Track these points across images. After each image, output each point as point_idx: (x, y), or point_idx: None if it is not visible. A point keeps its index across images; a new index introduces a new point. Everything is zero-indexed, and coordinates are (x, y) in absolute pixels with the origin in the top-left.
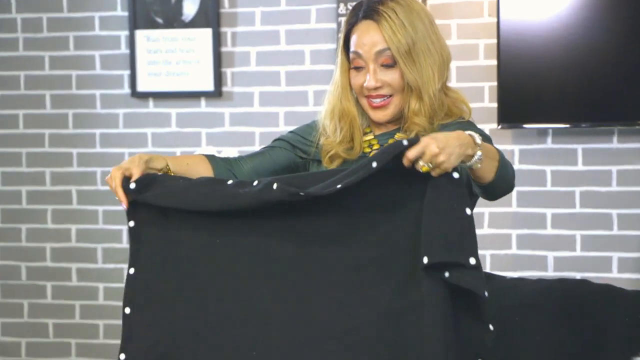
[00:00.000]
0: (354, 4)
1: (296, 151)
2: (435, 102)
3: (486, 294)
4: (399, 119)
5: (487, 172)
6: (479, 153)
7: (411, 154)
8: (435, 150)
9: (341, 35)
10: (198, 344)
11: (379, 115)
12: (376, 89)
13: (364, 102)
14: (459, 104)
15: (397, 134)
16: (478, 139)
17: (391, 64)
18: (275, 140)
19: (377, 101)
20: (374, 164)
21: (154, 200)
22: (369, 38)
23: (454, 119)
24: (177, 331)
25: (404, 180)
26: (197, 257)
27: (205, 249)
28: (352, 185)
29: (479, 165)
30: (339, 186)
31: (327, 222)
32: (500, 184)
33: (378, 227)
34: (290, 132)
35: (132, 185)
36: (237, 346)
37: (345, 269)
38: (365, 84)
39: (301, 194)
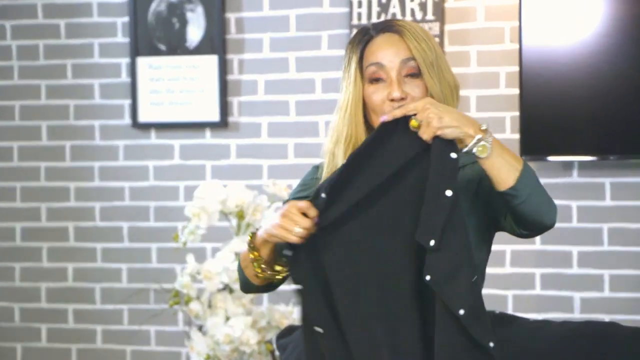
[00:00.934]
0: None
1: None
2: None
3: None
4: None
5: (502, 172)
6: (478, 136)
7: (406, 107)
8: (428, 105)
9: (349, 57)
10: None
11: None
12: (400, 100)
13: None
14: None
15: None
16: (485, 126)
17: (415, 75)
18: None
19: None
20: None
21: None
22: (393, 48)
23: (462, 146)
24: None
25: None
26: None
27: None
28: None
29: (483, 155)
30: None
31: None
32: (528, 204)
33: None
34: (292, 194)
35: (323, 195)
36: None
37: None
38: (392, 95)
39: None
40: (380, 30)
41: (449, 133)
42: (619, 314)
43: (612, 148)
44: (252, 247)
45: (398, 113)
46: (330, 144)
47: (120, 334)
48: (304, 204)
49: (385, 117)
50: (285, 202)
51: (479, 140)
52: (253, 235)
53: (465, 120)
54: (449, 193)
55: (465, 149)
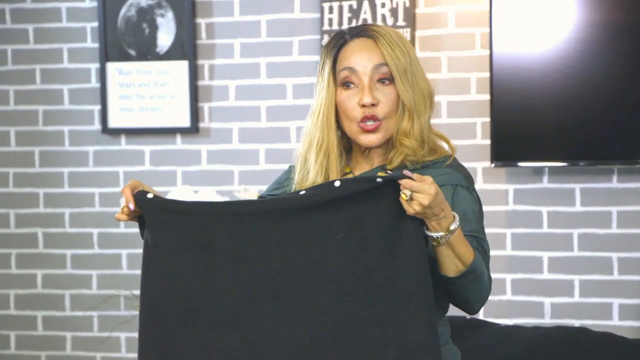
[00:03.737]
0: None
1: None
2: (425, 131)
3: None
4: (385, 148)
5: (444, 262)
6: (438, 234)
7: (418, 183)
8: (433, 193)
9: (323, 61)
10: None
11: (370, 139)
12: (371, 106)
13: (353, 128)
14: (441, 141)
15: (379, 172)
16: (455, 225)
17: (388, 80)
18: None
19: (369, 124)
20: (379, 180)
21: (165, 204)
22: (366, 53)
23: (438, 156)
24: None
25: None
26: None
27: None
28: (350, 193)
29: (433, 243)
30: (337, 184)
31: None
32: (459, 293)
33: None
34: (266, 191)
35: (150, 195)
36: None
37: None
38: (363, 100)
39: (301, 193)
40: (354, 35)
41: (423, 216)
42: (589, 319)
43: (582, 154)
44: None
45: (409, 184)
46: (302, 149)
47: (90, 340)
48: (129, 197)
49: (408, 172)
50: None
51: (439, 237)
52: None
53: (439, 219)
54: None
55: (425, 231)
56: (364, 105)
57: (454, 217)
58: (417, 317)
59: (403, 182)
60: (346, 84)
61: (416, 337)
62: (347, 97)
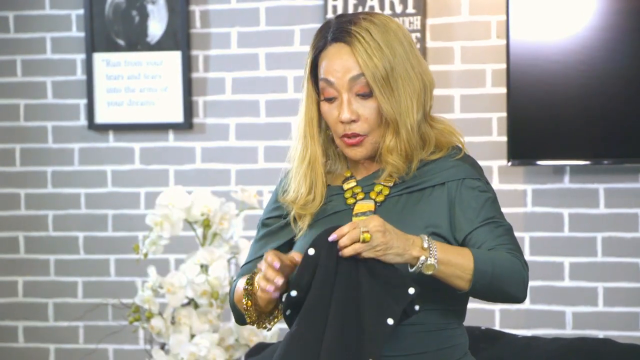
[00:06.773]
0: None
1: (279, 235)
2: (413, 137)
3: None
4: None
5: (452, 280)
6: (422, 258)
7: (356, 223)
8: (378, 230)
9: (306, 62)
10: None
11: (354, 152)
12: (351, 122)
13: (338, 141)
14: (447, 135)
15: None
16: (427, 243)
17: (367, 93)
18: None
19: (351, 140)
20: (311, 251)
21: None
22: (341, 63)
23: (445, 152)
24: None
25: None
26: None
27: None
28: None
29: (430, 272)
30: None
31: None
32: (489, 295)
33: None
34: (262, 222)
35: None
36: None
37: None
38: (342, 117)
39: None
40: (333, 39)
41: (390, 259)
42: (614, 329)
43: (607, 152)
44: (249, 294)
45: (352, 226)
46: (289, 154)
47: (75, 353)
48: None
49: (335, 237)
50: (259, 225)
51: (424, 261)
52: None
53: (409, 244)
54: (390, 321)
55: (412, 270)
56: (342, 122)
57: (420, 237)
58: None
59: (342, 231)
60: (327, 99)
61: None
62: (329, 110)
